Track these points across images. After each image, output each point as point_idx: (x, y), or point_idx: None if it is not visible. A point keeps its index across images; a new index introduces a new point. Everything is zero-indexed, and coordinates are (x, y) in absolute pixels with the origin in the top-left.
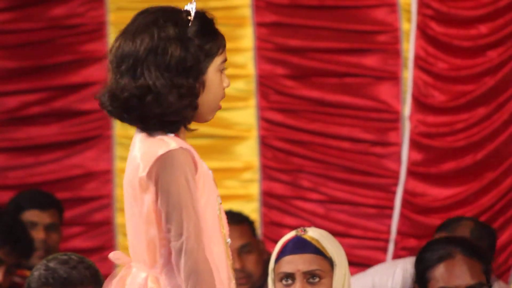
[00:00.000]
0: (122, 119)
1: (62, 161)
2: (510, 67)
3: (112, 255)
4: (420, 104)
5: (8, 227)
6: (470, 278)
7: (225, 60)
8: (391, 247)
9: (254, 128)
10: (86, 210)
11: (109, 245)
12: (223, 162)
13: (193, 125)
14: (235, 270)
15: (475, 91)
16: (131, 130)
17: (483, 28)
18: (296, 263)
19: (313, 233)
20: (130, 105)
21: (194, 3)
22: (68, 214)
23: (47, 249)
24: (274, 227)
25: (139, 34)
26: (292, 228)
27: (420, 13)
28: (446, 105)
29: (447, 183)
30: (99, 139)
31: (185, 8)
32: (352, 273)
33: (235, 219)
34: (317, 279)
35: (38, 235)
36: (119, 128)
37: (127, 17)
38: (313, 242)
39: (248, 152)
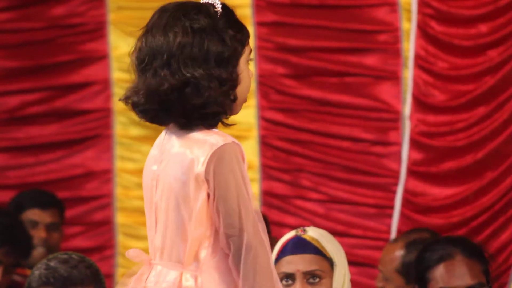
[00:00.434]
0: (157, 118)
1: (62, 161)
2: (511, 67)
3: (131, 253)
4: (420, 103)
5: (7, 227)
6: (470, 279)
7: (251, 50)
8: None
9: (254, 127)
10: (86, 209)
11: (109, 245)
12: None
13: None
14: None
15: (475, 90)
16: (131, 130)
17: (483, 28)
18: (296, 263)
19: (313, 233)
20: (170, 100)
21: None
22: (68, 213)
23: (48, 248)
24: (274, 227)
25: (171, 28)
26: (292, 227)
27: (420, 12)
28: (447, 104)
29: (447, 183)
30: (99, 139)
31: (205, 1)
32: (352, 273)
33: None
34: (317, 279)
35: (39, 234)
36: (119, 128)
37: (128, 16)
38: (313, 242)
39: (248, 151)
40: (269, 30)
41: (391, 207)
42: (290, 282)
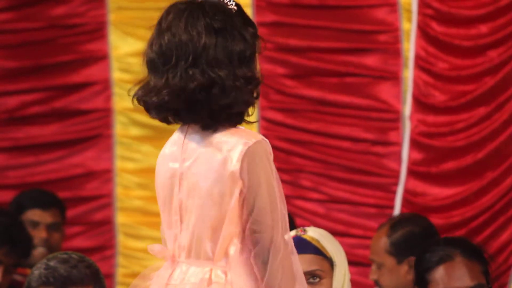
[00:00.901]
0: (178, 118)
1: (62, 161)
2: (511, 67)
3: (155, 248)
4: (420, 103)
5: (7, 227)
6: (469, 280)
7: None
8: None
9: (254, 127)
10: (86, 209)
11: (109, 245)
12: None
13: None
14: None
15: (476, 91)
16: (131, 130)
17: (483, 28)
18: None
19: (313, 233)
20: (197, 99)
21: None
22: (69, 213)
23: (49, 248)
24: None
25: (194, 28)
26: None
27: (420, 12)
28: (447, 104)
29: (447, 183)
30: (99, 139)
31: None
32: (352, 273)
33: None
34: (317, 279)
35: (40, 234)
36: (119, 128)
37: (128, 16)
38: (313, 242)
39: None
40: (269, 30)
41: (391, 207)
42: None
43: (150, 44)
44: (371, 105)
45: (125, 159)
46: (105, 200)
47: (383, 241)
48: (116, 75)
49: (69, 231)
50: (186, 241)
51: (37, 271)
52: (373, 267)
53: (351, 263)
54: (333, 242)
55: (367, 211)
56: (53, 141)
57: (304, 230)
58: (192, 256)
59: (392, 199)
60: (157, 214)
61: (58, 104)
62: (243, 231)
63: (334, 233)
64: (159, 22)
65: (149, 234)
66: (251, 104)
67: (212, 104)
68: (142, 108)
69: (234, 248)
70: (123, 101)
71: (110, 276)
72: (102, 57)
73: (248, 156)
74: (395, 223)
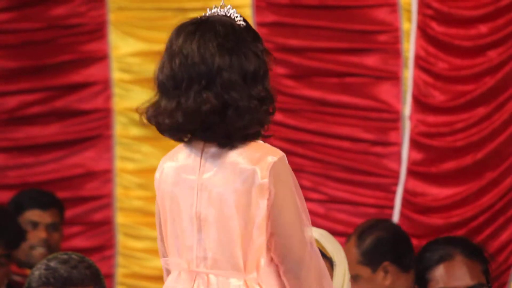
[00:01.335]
0: (199, 137)
1: (62, 161)
2: (510, 67)
3: (171, 262)
4: (420, 104)
5: None
6: (469, 279)
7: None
8: None
9: None
10: (86, 209)
11: (109, 245)
12: None
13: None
14: None
15: (475, 91)
16: (131, 130)
17: (483, 28)
18: None
19: (313, 233)
20: (212, 122)
21: (230, 6)
22: (68, 213)
23: (48, 249)
24: None
25: (206, 49)
26: None
27: (420, 13)
28: (446, 105)
29: (447, 183)
30: (99, 139)
31: (223, 13)
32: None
33: None
34: None
35: (39, 234)
36: (119, 128)
37: (128, 16)
38: None
39: None
40: (269, 31)
41: (391, 207)
42: None
43: (161, 67)
44: (371, 105)
45: (125, 159)
46: (105, 200)
47: (353, 253)
48: (116, 75)
49: (69, 231)
50: (208, 252)
51: (37, 272)
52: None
53: None
54: (333, 242)
55: (367, 211)
56: (53, 141)
57: None
58: (218, 267)
59: (392, 199)
60: None
61: (58, 104)
62: (268, 243)
63: (334, 233)
64: (170, 45)
65: (149, 234)
66: (267, 123)
67: (228, 125)
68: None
69: (264, 260)
70: (123, 101)
71: (110, 276)
72: (102, 57)
73: (274, 171)
74: (362, 232)
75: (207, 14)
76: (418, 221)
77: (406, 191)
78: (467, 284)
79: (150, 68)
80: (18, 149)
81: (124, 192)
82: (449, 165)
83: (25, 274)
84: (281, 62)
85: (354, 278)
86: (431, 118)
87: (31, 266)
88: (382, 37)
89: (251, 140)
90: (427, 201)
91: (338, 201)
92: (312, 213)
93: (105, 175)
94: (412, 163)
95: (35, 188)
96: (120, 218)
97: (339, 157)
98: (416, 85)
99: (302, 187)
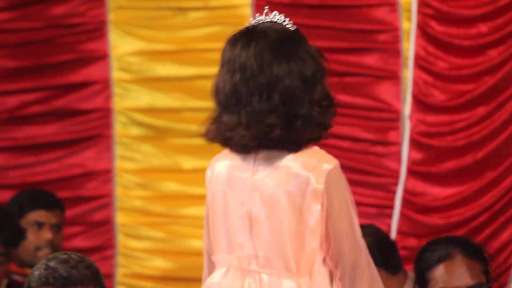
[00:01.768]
0: (260, 146)
1: (62, 161)
2: (510, 66)
3: (219, 258)
4: (420, 103)
5: None
6: (469, 279)
7: None
8: None
9: None
10: (86, 209)
11: (109, 245)
12: None
13: None
14: None
15: (475, 90)
16: (131, 130)
17: (483, 27)
18: None
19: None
20: (276, 134)
21: (276, 12)
22: (68, 213)
23: (53, 249)
24: None
25: (263, 60)
26: None
27: (420, 12)
28: (446, 104)
29: (447, 183)
30: (99, 138)
31: (270, 19)
32: None
33: None
34: None
35: (45, 235)
36: (119, 128)
37: (128, 16)
38: None
39: None
40: None
41: (391, 207)
42: None
43: (218, 82)
44: (371, 105)
45: (125, 159)
46: (105, 200)
47: None
48: (116, 74)
49: (69, 231)
50: (259, 250)
51: (37, 272)
52: None
53: None
54: None
55: (367, 211)
56: (53, 141)
57: None
58: (270, 266)
59: (392, 199)
60: (157, 214)
61: (58, 104)
62: (321, 248)
63: None
64: (227, 60)
65: (149, 234)
66: (329, 126)
67: (292, 135)
68: (142, 107)
69: (316, 265)
70: (123, 100)
71: (110, 276)
72: (102, 57)
73: (330, 178)
74: None
75: (253, 23)
76: (418, 221)
77: (406, 191)
78: (467, 283)
79: (150, 67)
80: (18, 149)
81: (124, 192)
82: (449, 164)
83: (26, 273)
84: None
85: None
86: (431, 118)
87: (31, 265)
88: (382, 37)
89: (314, 142)
90: (427, 201)
91: None
92: None
93: (105, 174)
94: (412, 163)
95: (38, 188)
96: (120, 218)
97: (339, 157)
98: (416, 84)
99: None
